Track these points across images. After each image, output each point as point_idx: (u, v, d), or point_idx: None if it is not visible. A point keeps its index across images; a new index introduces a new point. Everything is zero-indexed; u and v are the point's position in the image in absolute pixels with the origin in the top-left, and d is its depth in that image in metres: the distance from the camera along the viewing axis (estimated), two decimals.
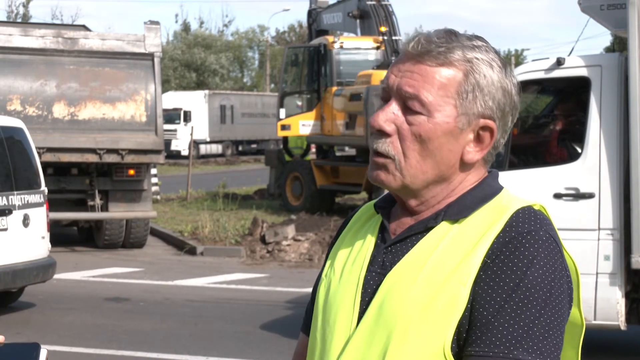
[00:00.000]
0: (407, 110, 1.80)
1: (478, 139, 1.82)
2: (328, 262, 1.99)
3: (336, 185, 19.87)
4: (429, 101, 1.78)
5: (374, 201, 2.03)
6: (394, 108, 1.81)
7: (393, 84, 1.82)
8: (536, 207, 1.81)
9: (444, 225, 1.81)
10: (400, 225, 1.88)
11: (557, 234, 1.79)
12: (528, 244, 1.72)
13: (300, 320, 2.14)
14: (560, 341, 1.71)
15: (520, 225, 1.75)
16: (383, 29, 19.86)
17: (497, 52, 1.83)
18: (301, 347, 2.10)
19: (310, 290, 2.11)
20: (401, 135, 1.80)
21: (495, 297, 1.70)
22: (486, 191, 1.84)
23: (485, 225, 1.77)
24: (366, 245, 1.90)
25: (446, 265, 1.75)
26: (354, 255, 1.91)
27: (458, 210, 1.81)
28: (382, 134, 1.81)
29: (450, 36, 1.81)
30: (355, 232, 1.97)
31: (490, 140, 1.83)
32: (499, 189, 1.86)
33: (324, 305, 1.91)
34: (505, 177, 1.87)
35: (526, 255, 1.72)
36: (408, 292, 1.76)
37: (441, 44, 1.79)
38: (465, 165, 1.84)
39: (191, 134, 24.70)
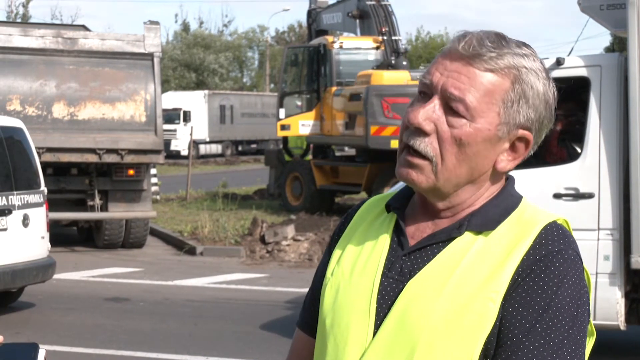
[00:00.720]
0: (448, 110, 1.76)
1: (513, 149, 1.81)
2: (333, 260, 1.93)
3: (336, 185, 19.86)
4: (474, 106, 1.75)
5: (379, 197, 2.00)
6: (435, 107, 1.77)
7: (438, 83, 1.77)
8: (560, 222, 1.81)
9: (467, 236, 1.79)
10: (419, 230, 1.85)
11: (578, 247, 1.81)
12: (558, 263, 1.73)
13: None
14: (583, 357, 1.74)
15: (550, 243, 1.75)
16: (383, 29, 19.86)
17: (542, 62, 1.81)
18: (299, 344, 2.06)
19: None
20: (440, 136, 1.76)
21: (526, 317, 1.71)
22: (508, 201, 1.83)
23: (511, 239, 1.77)
24: (379, 247, 1.86)
25: (473, 279, 1.74)
26: (366, 256, 1.87)
27: (482, 222, 1.80)
28: (420, 132, 1.77)
29: (501, 41, 1.77)
30: (365, 230, 1.92)
31: (525, 151, 1.82)
32: (519, 198, 1.85)
33: (332, 306, 1.86)
34: None
35: (556, 274, 1.72)
36: (433, 304, 1.74)
37: (493, 49, 1.75)
38: (496, 174, 1.83)
39: (191, 134, 24.69)
